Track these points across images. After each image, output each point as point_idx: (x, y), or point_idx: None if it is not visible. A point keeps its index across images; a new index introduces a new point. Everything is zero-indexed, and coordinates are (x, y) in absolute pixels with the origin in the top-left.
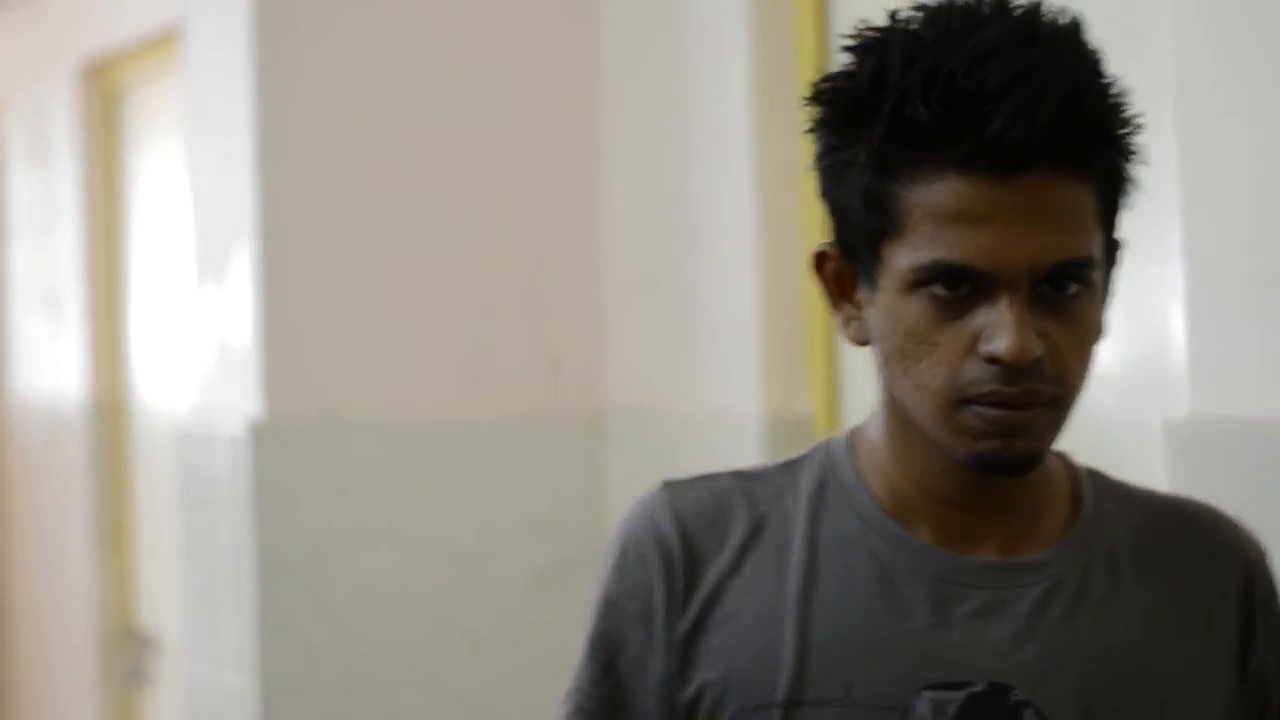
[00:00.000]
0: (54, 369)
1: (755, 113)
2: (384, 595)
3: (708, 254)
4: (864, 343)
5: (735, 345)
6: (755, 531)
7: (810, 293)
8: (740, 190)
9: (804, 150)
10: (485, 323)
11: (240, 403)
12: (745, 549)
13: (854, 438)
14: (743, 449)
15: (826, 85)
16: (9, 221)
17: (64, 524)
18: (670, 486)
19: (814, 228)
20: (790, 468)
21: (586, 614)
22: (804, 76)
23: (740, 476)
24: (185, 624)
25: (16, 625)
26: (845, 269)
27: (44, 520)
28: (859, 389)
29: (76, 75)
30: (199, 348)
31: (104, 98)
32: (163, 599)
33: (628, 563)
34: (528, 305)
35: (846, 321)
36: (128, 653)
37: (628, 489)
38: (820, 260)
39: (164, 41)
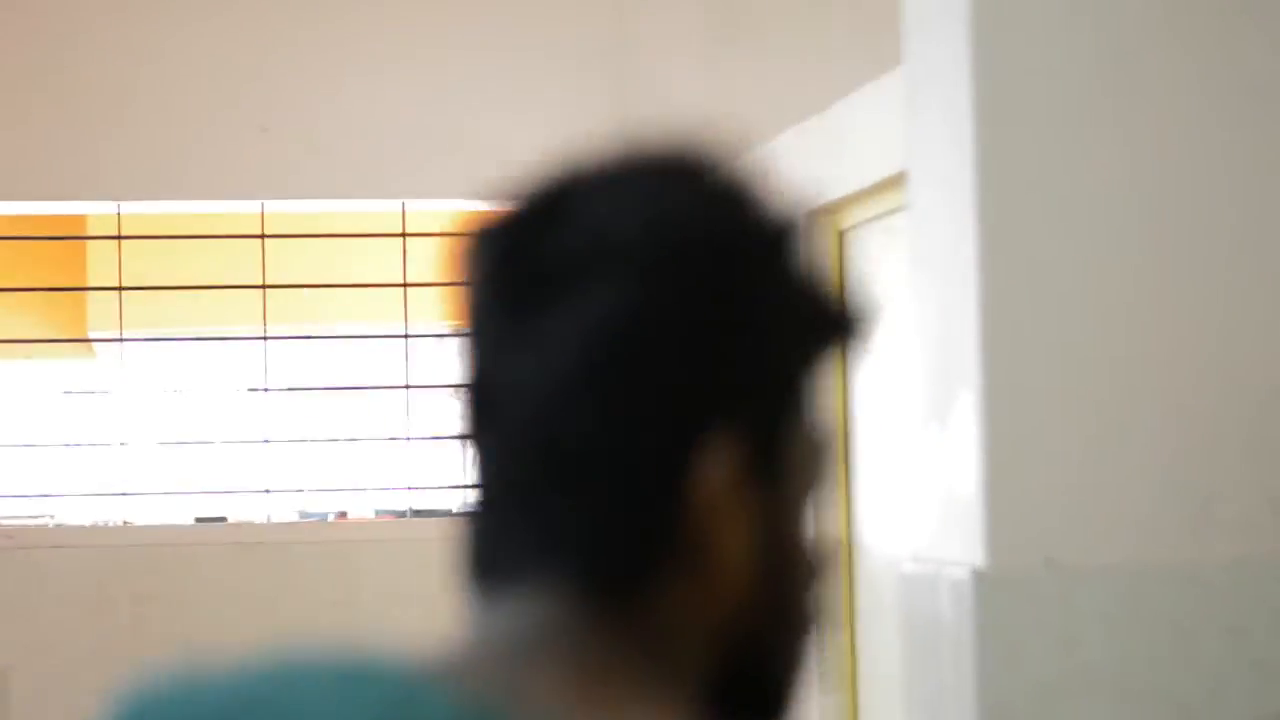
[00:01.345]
0: None
1: None
2: None
3: None
4: None
5: None
6: None
7: None
8: None
9: None
10: (1210, 463)
11: (963, 549)
12: None
13: None
14: None
15: None
16: None
17: None
18: None
19: None
20: None
21: None
22: None
23: None
24: None
25: None
26: None
27: None
28: None
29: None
30: (923, 492)
31: (833, 236)
32: None
33: None
34: (1255, 443)
35: None
36: None
37: None
38: None
39: (890, 184)
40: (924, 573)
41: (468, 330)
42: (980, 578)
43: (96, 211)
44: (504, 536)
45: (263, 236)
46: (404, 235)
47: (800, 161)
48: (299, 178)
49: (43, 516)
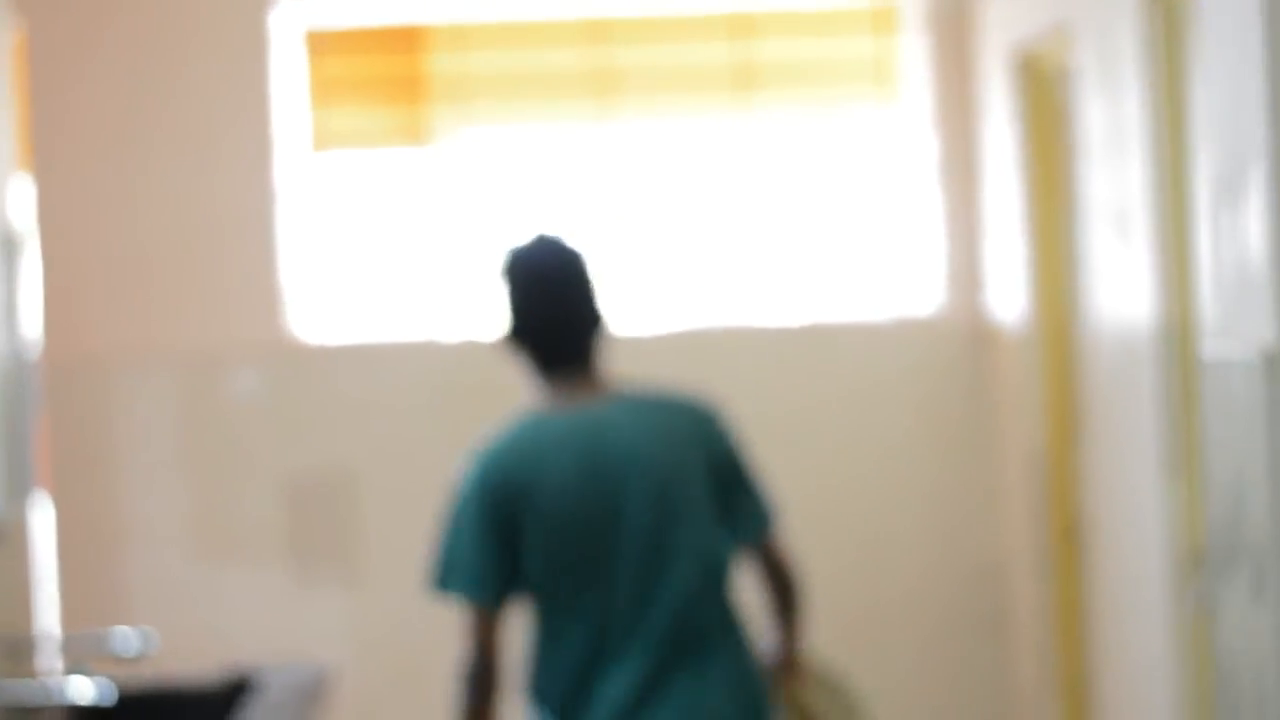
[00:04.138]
0: (1123, 292)
1: None
2: None
3: None
4: None
5: None
6: None
7: None
8: None
9: None
10: None
11: (1256, 329)
12: None
13: None
14: None
15: None
16: (1080, 146)
17: (1133, 447)
18: None
19: None
20: None
21: None
22: None
23: None
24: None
25: (1092, 545)
26: None
27: (1115, 443)
28: None
29: None
30: (1216, 274)
31: (1168, 17)
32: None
33: None
34: None
35: None
36: (1196, 578)
37: None
38: None
39: None
40: (1218, 355)
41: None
42: (1269, 358)
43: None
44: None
45: (600, 34)
46: (739, 32)
47: None
48: None
49: (389, 319)
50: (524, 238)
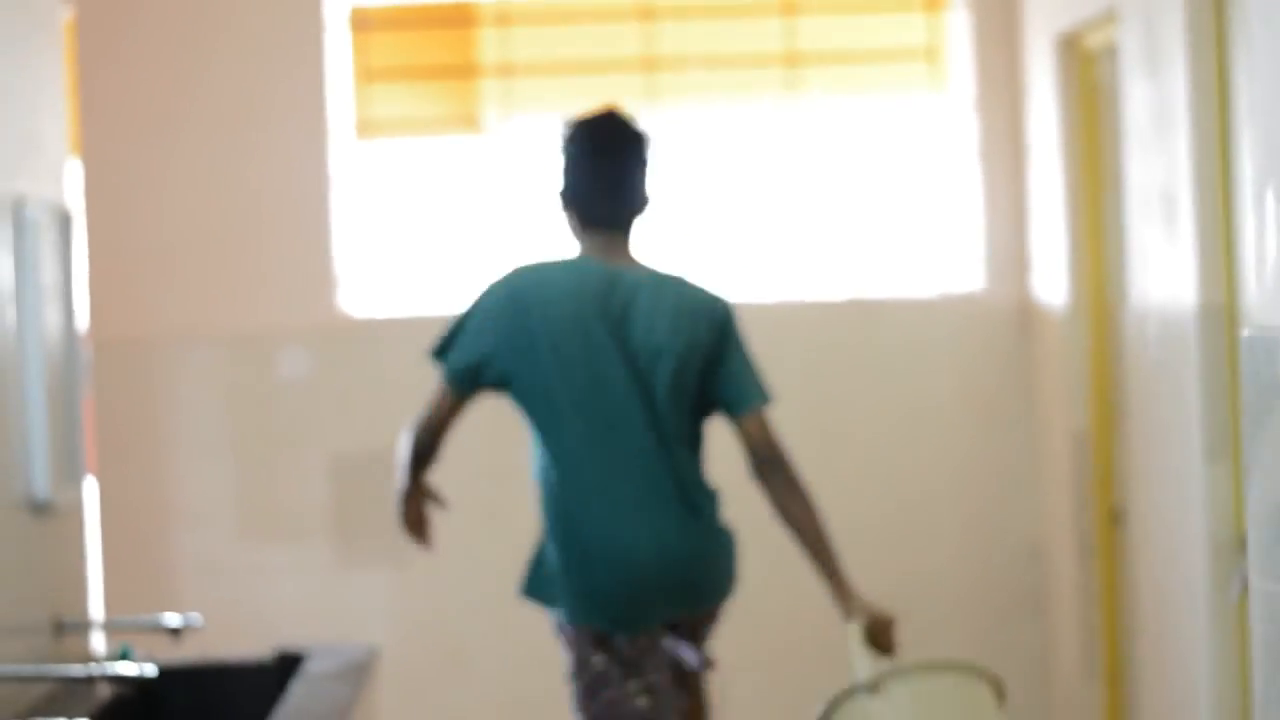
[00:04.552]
0: (1167, 274)
1: None
2: None
3: None
4: None
5: None
6: None
7: None
8: None
9: None
10: None
11: None
12: None
13: None
14: None
15: None
16: (1125, 128)
17: (1177, 430)
18: None
19: None
20: None
21: None
22: None
23: None
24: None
25: (1134, 527)
26: None
27: (1157, 426)
28: None
29: None
30: (1257, 259)
31: (1214, 2)
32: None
33: None
34: None
35: None
36: (1239, 562)
37: None
38: None
39: None
40: (1260, 337)
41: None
42: None
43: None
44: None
45: (646, 17)
46: (789, 12)
47: None
48: None
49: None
50: (594, 110)
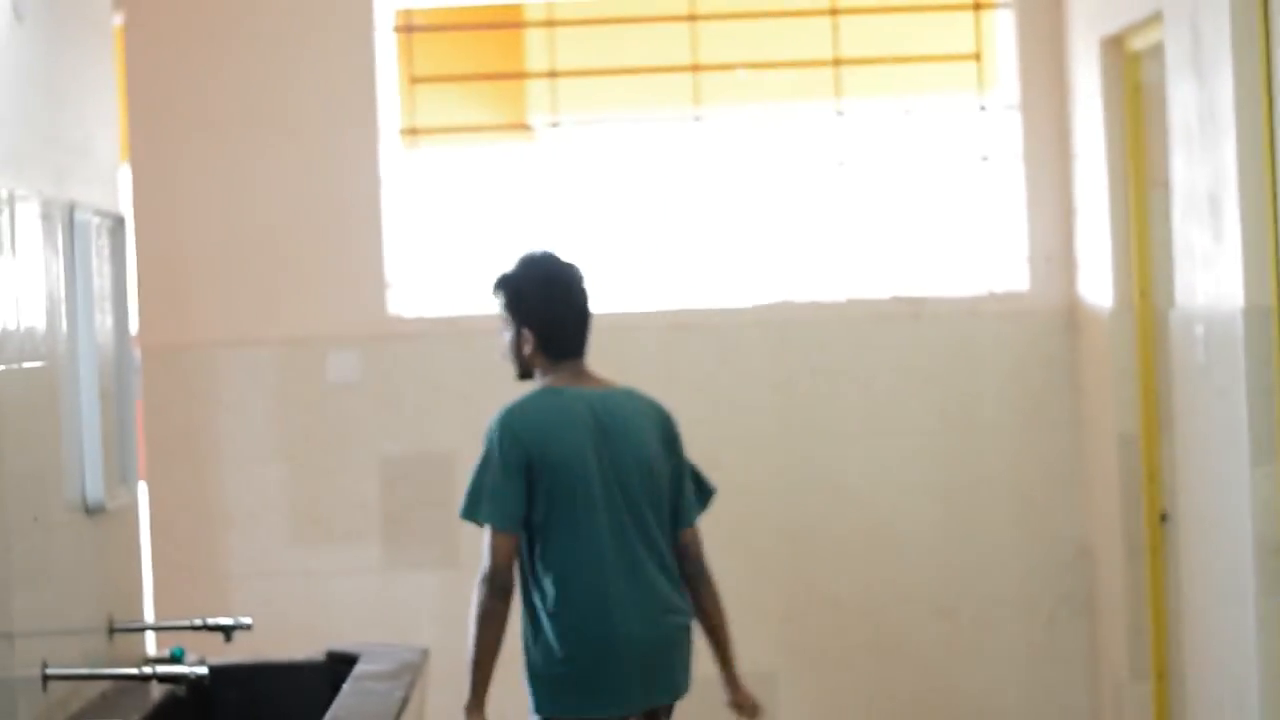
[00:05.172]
0: (1214, 275)
1: None
2: None
3: None
4: None
5: None
6: None
7: None
8: None
9: None
10: None
11: None
12: None
13: None
14: None
15: None
16: (1171, 129)
17: (1223, 432)
18: None
19: None
20: None
21: None
22: None
23: None
24: None
25: (1182, 530)
26: None
27: (1204, 428)
28: None
29: None
30: None
31: (1260, 4)
32: None
33: None
34: None
35: None
36: None
37: None
38: None
39: None
40: None
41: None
42: None
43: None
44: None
45: (693, 19)
46: (834, 13)
47: None
48: None
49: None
50: (531, 250)
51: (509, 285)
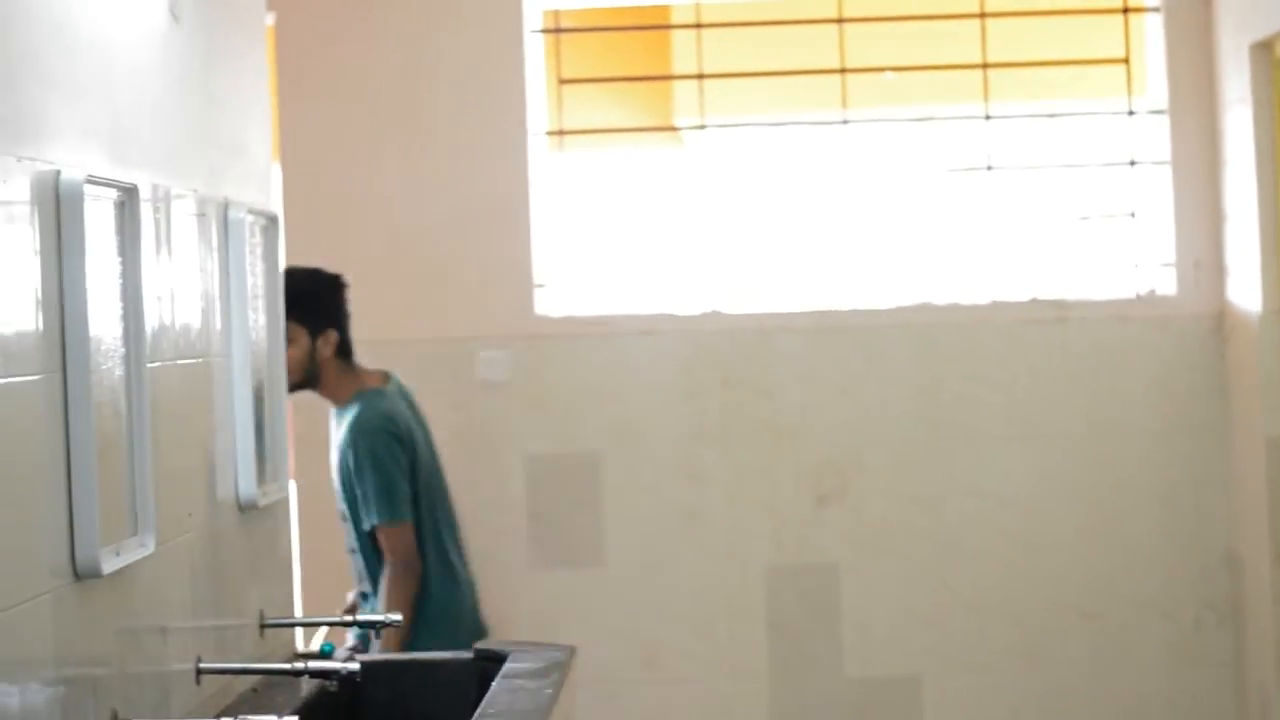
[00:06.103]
0: None
1: None
2: None
3: None
4: None
5: None
6: None
7: None
8: None
9: None
10: None
11: None
12: None
13: None
14: None
15: None
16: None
17: None
18: None
19: None
20: None
21: None
22: None
23: None
24: None
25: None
26: None
27: None
28: None
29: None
30: None
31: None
32: None
33: None
34: None
35: None
36: None
37: None
38: None
39: None
40: None
41: None
42: None
43: (680, 2)
44: None
45: (841, 21)
46: (982, 16)
47: None
48: None
49: (633, 304)
50: (290, 265)
51: (306, 292)
